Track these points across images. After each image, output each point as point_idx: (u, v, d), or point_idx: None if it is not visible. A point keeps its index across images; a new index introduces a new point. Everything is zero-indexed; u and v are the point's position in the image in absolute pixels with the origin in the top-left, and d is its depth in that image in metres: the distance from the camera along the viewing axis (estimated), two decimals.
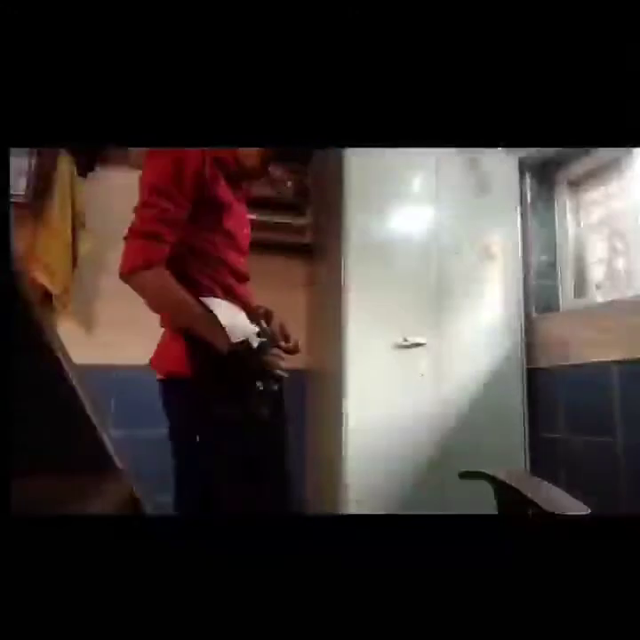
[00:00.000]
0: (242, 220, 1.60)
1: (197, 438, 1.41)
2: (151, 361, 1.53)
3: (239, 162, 1.55)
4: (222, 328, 1.37)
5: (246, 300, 1.55)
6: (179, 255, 1.42)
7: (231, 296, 1.49)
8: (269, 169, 1.70)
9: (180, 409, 1.48)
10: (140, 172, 1.45)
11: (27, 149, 2.72)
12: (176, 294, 1.38)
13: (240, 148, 1.54)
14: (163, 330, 1.55)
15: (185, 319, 1.41)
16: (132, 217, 1.45)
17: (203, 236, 1.46)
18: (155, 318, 1.56)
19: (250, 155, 1.56)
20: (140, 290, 1.38)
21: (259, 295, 1.66)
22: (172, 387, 1.48)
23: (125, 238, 1.39)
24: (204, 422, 1.40)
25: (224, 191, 1.49)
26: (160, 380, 1.50)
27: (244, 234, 1.60)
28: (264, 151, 1.57)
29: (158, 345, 1.54)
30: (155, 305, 1.44)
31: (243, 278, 1.57)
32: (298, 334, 1.70)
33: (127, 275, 1.36)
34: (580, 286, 2.99)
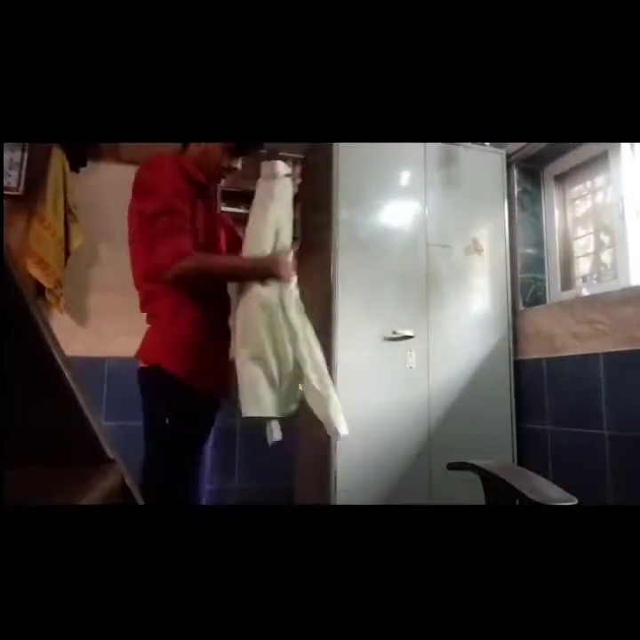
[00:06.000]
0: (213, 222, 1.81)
1: (167, 421, 1.56)
2: (137, 353, 1.67)
3: (203, 170, 1.72)
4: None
5: None
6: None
7: None
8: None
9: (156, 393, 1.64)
10: (131, 167, 1.49)
11: (20, 144, 2.71)
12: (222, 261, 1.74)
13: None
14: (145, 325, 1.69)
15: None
16: (125, 212, 1.51)
17: None
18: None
19: (212, 157, 1.71)
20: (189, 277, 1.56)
21: None
22: (151, 373, 1.62)
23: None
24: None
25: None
26: (142, 368, 1.64)
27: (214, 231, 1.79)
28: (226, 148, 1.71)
29: (143, 339, 1.68)
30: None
31: None
32: None
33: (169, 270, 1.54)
34: (567, 279, 3.02)
